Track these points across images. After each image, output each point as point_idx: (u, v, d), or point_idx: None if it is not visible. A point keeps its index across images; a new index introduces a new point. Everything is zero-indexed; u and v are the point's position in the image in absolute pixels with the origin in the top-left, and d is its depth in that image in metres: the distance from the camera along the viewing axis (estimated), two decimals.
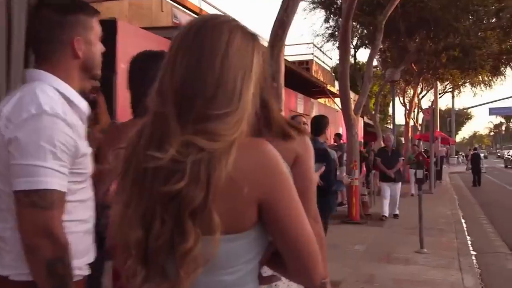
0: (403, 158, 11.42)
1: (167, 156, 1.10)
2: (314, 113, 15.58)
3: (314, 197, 1.69)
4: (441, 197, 15.83)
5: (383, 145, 12.26)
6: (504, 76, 22.86)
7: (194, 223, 1.10)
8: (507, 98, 43.42)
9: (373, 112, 19.24)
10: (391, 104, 21.98)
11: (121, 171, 1.20)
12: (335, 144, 12.85)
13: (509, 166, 41.09)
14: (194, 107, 1.13)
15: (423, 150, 20.40)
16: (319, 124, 5.47)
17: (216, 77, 1.15)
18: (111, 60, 5.20)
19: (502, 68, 21.89)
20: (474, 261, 7.44)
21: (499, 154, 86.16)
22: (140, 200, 1.14)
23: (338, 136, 13.19)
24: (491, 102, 45.08)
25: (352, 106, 11.76)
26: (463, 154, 61.75)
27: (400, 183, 11.23)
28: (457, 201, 15.17)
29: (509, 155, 42.70)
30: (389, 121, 30.57)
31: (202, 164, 1.10)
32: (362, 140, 14.02)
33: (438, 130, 35.14)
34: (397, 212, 11.24)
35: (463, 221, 11.12)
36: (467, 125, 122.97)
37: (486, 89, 26.21)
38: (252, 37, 1.24)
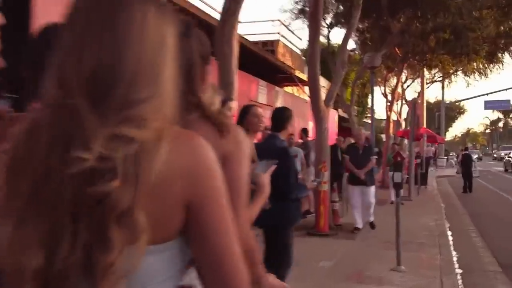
0: (375, 156, 11.37)
1: (94, 155, 1.08)
2: (280, 104, 15.72)
3: (243, 203, 1.74)
4: (425, 205, 16.28)
5: (353, 141, 12.25)
6: (502, 64, 23.35)
7: (119, 230, 1.09)
8: (505, 89, 44.66)
9: (349, 103, 19.51)
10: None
11: (4, 184, 1.13)
12: (301, 141, 13.03)
13: (510, 170, 41.39)
14: (112, 94, 1.13)
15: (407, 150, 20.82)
16: (280, 118, 5.48)
17: (136, 56, 1.15)
18: (23, 33, 5.10)
19: (500, 54, 22.23)
20: (459, 280, 7.65)
21: (495, 155, 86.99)
22: (39, 216, 1.09)
23: (304, 132, 13.36)
24: (487, 94, 46.17)
25: (324, 96, 11.92)
26: (454, 155, 62.42)
27: (372, 187, 11.27)
28: (444, 210, 15.58)
29: (510, 157, 43.02)
30: (368, 115, 31.03)
31: (132, 159, 1.10)
32: (339, 137, 14.18)
33: (425, 126, 35.60)
34: (372, 219, 11.44)
35: (449, 233, 11.46)
36: (459, 120, 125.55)
37: (481, 78, 26.74)
38: (167, 8, 1.26)
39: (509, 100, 54.90)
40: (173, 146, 1.17)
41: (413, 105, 18.84)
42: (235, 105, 5.62)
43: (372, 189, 11.27)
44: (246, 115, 4.85)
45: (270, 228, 5.10)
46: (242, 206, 1.73)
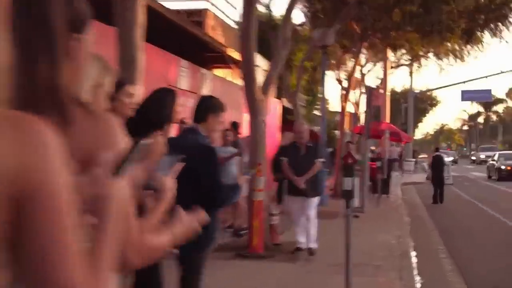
0: (323, 159, 10.83)
1: None
2: (207, 90, 15.50)
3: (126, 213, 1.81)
4: (385, 218, 16.48)
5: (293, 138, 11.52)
6: (482, 45, 23.25)
7: None
8: (486, 77, 45.51)
9: (294, 90, 19.46)
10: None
11: None
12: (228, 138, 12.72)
13: (494, 177, 40.54)
14: None
15: (371, 151, 20.99)
16: (201, 107, 5.37)
17: None
18: None
19: (479, 32, 21.82)
20: None
21: (473, 158, 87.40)
22: None
23: (234, 126, 13.08)
24: (464, 82, 47.01)
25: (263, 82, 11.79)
26: (424, 157, 63.77)
27: (315, 198, 10.79)
28: (409, 224, 15.83)
29: (495, 160, 42.44)
30: (319, 106, 31.13)
31: None
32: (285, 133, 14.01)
33: (388, 121, 35.89)
34: (313, 246, 10.88)
35: (413, 254, 11.55)
36: (431, 114, 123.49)
37: (456, 62, 27.01)
38: None
39: (490, 90, 55.16)
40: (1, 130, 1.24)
41: (369, 92, 18.93)
42: (138, 90, 5.39)
43: (314, 202, 10.78)
44: (118, 93, 4.51)
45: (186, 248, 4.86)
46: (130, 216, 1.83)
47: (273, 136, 13.12)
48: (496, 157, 43.13)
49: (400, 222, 15.99)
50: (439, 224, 16.61)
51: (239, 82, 17.91)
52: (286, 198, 11.31)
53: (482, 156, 77.29)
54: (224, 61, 18.29)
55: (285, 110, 25.24)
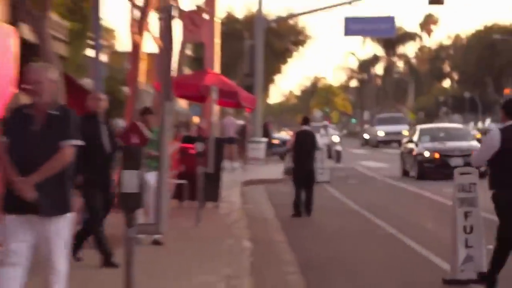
0: (76, 141, 5.71)
1: None
2: None
3: None
4: (209, 247, 11.31)
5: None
6: None
7: None
8: None
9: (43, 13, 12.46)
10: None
11: None
12: None
13: (411, 174, 26.75)
14: None
15: (183, 124, 15.66)
16: None
17: None
18: None
19: None
20: None
21: (366, 136, 61.91)
22: None
23: None
24: (349, 2, 33.86)
25: None
26: (285, 137, 41.68)
27: (61, 218, 5.62)
28: (250, 256, 10.55)
29: (412, 142, 27.58)
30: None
31: None
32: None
33: (218, 71, 24.22)
34: None
35: None
36: (297, 60, 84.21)
37: None
38: None
39: (392, 18, 39.95)
40: None
41: (168, 14, 12.81)
42: None
43: (61, 225, 5.64)
44: None
45: None
46: None
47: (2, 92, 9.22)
48: (416, 137, 27.76)
49: (235, 252, 10.74)
50: (302, 253, 11.21)
51: None
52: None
53: (381, 133, 55.95)
54: None
55: (27, 45, 13.47)
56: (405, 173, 27.37)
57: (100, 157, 8.80)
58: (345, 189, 22.53)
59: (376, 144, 56.37)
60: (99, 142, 8.86)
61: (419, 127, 31.25)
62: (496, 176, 8.02)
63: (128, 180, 5.87)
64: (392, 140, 52.98)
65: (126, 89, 19.31)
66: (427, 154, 25.56)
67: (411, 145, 27.19)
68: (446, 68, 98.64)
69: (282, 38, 56.47)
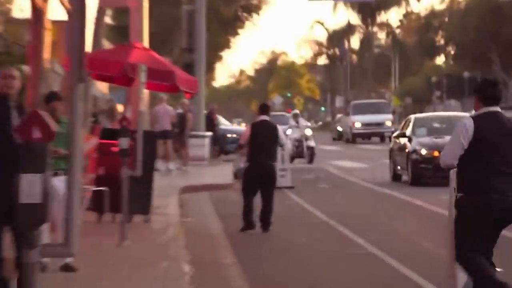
0: None
1: None
2: None
3: None
4: (137, 274, 9.49)
5: None
6: None
7: None
8: None
9: None
10: None
11: None
12: None
13: (405, 178, 22.87)
14: None
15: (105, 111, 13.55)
16: None
17: None
18: None
19: None
20: None
21: (339, 128, 54.50)
22: None
23: None
24: None
25: None
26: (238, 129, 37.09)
27: None
28: (190, 285, 8.85)
29: (406, 136, 23.07)
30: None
31: None
32: None
33: (147, 45, 19.39)
34: None
35: None
36: (250, 30, 67.80)
37: None
38: None
39: None
40: None
41: None
42: None
43: None
44: None
45: None
46: None
47: None
48: (409, 129, 23.26)
49: (171, 278, 9.28)
50: (256, 279, 9.68)
51: None
52: None
53: (358, 124, 48.26)
54: None
55: None
56: (396, 177, 23.24)
57: (7, 149, 7.02)
58: (313, 196, 19.82)
59: (352, 138, 49.55)
60: (7, 131, 7.08)
61: (413, 116, 25.56)
62: (465, 177, 6.72)
63: (28, 187, 4.81)
64: (372, 133, 47.40)
65: (26, 68, 16.23)
66: (424, 151, 21.34)
67: (403, 140, 22.80)
68: (440, 40, 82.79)
69: (231, 2, 45.76)
